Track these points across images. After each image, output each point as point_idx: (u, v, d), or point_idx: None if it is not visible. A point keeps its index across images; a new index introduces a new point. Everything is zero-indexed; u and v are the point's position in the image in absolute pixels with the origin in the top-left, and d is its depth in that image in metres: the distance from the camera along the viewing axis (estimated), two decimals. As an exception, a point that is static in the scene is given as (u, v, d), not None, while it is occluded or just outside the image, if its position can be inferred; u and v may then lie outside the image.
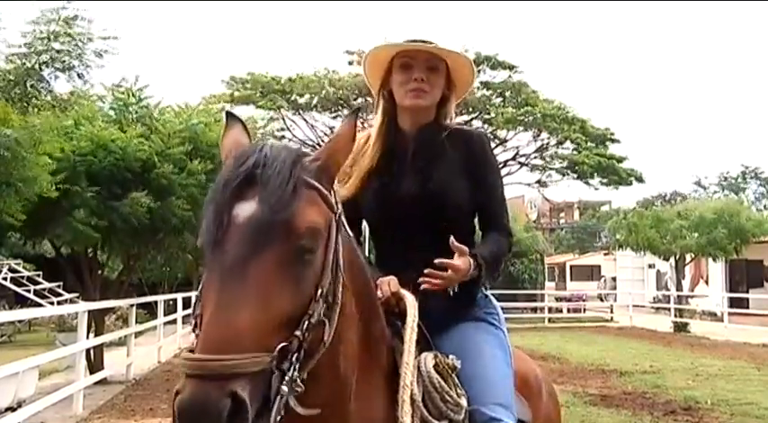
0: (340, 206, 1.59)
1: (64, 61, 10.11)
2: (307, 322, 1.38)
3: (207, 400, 1.26)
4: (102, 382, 10.45)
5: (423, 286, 1.94)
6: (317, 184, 1.49)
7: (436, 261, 1.92)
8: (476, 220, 2.23)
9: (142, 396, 9.76)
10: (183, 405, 1.27)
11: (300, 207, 1.42)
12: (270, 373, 1.32)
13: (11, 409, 7.43)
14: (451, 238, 1.94)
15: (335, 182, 1.60)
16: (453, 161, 2.15)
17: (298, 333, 1.36)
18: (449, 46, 2.18)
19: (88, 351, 10.21)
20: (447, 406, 1.83)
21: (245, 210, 1.41)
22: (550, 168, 29.60)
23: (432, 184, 2.11)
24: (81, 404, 8.75)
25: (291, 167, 1.45)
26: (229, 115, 1.71)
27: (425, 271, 1.94)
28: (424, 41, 2.15)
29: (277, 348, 1.32)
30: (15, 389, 7.57)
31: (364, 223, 2.29)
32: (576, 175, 28.86)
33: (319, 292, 1.43)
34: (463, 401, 1.88)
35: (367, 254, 2.14)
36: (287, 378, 1.33)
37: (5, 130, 7.41)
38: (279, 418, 1.33)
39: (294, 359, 1.35)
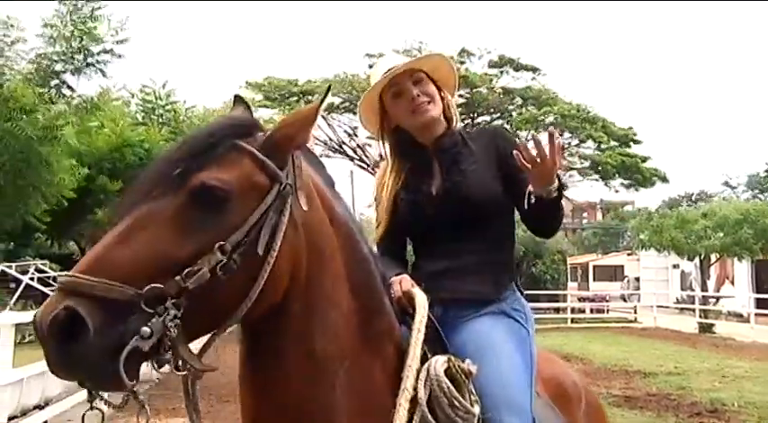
0: (295, 180, 1.59)
1: (84, 63, 10.25)
2: (189, 270, 1.37)
3: (43, 310, 1.31)
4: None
5: (519, 159, 1.83)
6: (251, 149, 1.54)
7: (536, 135, 1.86)
8: (516, 215, 2.19)
9: (165, 395, 9.83)
10: (34, 316, 1.33)
11: (206, 164, 1.48)
12: (129, 308, 1.32)
13: (38, 407, 7.53)
14: (555, 130, 1.89)
15: (289, 154, 1.60)
16: (479, 157, 2.16)
17: (177, 278, 1.36)
18: (417, 55, 2.21)
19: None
20: (456, 412, 1.73)
21: (162, 166, 1.51)
22: (572, 168, 29.41)
23: (461, 178, 2.12)
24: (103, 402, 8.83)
25: (219, 131, 1.55)
26: (237, 98, 1.78)
27: (524, 143, 1.84)
28: (392, 67, 2.17)
29: (146, 288, 1.33)
30: (43, 387, 7.67)
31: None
32: (598, 176, 28.66)
33: (219, 245, 1.41)
34: (475, 409, 1.78)
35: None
36: (154, 320, 1.32)
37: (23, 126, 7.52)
38: (141, 359, 1.34)
39: (170, 304, 1.35)
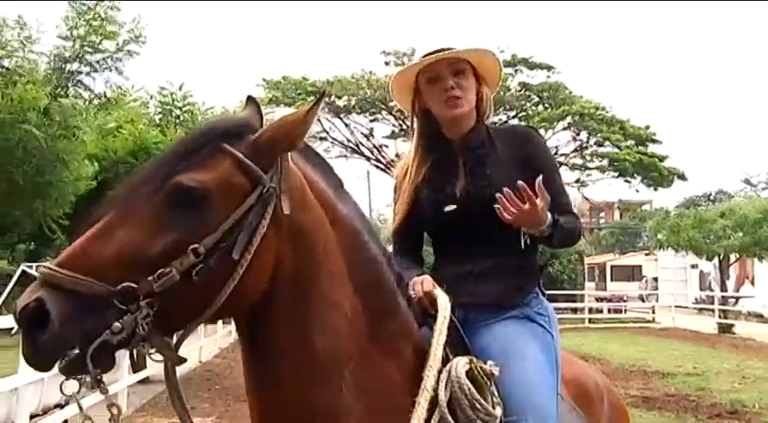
0: (280, 183, 1.57)
1: (99, 62, 10.34)
2: (161, 270, 1.40)
3: (20, 300, 1.37)
4: (145, 381, 10.60)
5: (500, 211, 1.89)
6: (233, 151, 1.53)
7: (518, 182, 1.85)
8: None
9: (184, 395, 9.90)
10: (14, 304, 1.39)
11: (189, 165, 1.49)
12: (100, 303, 1.37)
13: (59, 406, 7.60)
14: (539, 178, 1.87)
15: (276, 156, 1.58)
16: (504, 158, 2.14)
17: (150, 278, 1.39)
18: (466, 45, 2.16)
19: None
20: (477, 414, 1.70)
21: (149, 166, 1.57)
22: (590, 168, 29.27)
23: (485, 182, 2.09)
24: (125, 402, 8.92)
25: (208, 133, 1.57)
26: (249, 99, 1.78)
27: (501, 194, 1.88)
28: (440, 50, 2.12)
29: (120, 285, 1.38)
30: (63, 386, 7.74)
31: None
32: (617, 174, 28.48)
33: (191, 247, 1.42)
34: (497, 411, 1.75)
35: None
36: (126, 317, 1.37)
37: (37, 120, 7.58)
38: (112, 350, 1.39)
39: (143, 303, 1.38)
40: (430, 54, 2.13)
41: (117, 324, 1.36)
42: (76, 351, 1.35)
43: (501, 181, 2.03)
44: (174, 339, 1.55)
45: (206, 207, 1.47)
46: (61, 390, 1.46)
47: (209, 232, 1.45)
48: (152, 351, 1.47)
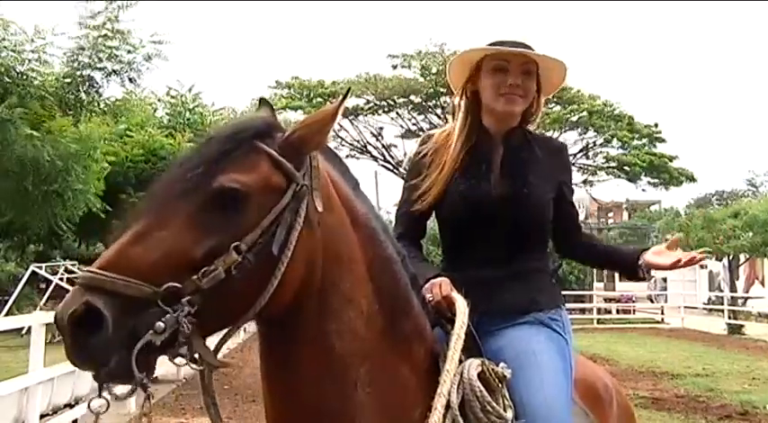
0: (311, 181, 1.59)
1: (115, 67, 10.38)
2: (206, 269, 1.40)
3: (63, 306, 1.35)
4: (154, 380, 10.60)
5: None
6: (269, 150, 1.55)
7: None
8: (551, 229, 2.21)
9: (192, 395, 9.92)
10: (56, 311, 1.37)
11: (226, 166, 1.49)
12: (145, 304, 1.36)
13: (69, 405, 7.65)
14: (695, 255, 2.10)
15: (307, 155, 1.60)
16: (543, 167, 2.14)
17: (194, 278, 1.39)
18: (545, 50, 2.14)
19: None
20: (488, 417, 1.71)
21: (183, 166, 1.54)
22: (599, 168, 29.20)
23: (525, 188, 2.08)
24: (133, 402, 8.94)
25: (239, 132, 1.56)
26: (261, 101, 1.80)
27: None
28: (517, 44, 2.10)
29: (164, 286, 1.37)
30: (73, 386, 7.79)
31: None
32: (625, 176, 28.41)
33: (234, 246, 1.43)
34: (509, 414, 1.76)
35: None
36: (168, 316, 1.35)
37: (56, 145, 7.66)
38: (155, 353, 1.38)
39: (185, 301, 1.38)
40: (504, 43, 2.10)
41: (160, 323, 1.35)
42: (119, 356, 1.34)
43: (537, 190, 2.07)
44: (212, 345, 1.54)
45: (247, 207, 1.48)
46: (100, 393, 1.41)
47: (250, 231, 1.47)
48: (192, 357, 1.45)
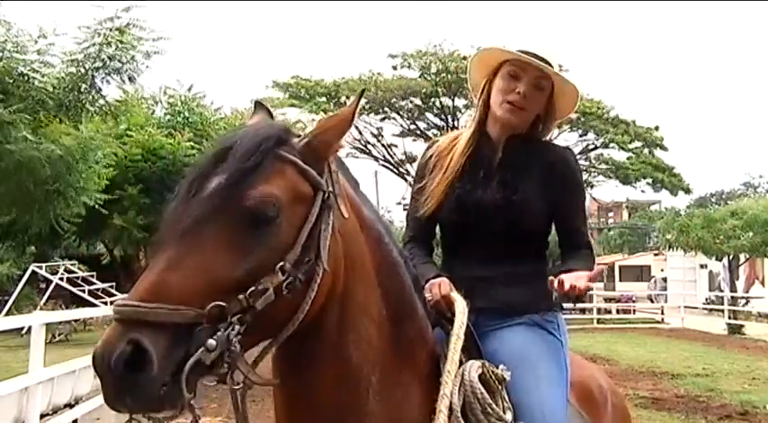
0: (334, 186, 1.57)
1: (115, 66, 10.38)
2: (253, 289, 1.36)
3: (105, 344, 1.28)
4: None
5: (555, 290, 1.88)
6: (293, 158, 1.50)
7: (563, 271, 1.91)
8: (551, 232, 2.21)
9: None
10: (95, 350, 1.29)
11: (255, 179, 1.43)
12: (191, 330, 1.30)
13: (69, 405, 7.64)
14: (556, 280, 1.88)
15: (327, 160, 1.58)
16: (538, 175, 2.13)
17: (241, 297, 1.35)
18: (559, 68, 2.15)
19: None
20: (489, 419, 1.73)
21: (205, 183, 1.45)
22: (597, 171, 29.24)
23: (516, 197, 2.08)
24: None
25: (261, 142, 1.48)
26: (257, 104, 1.77)
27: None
28: (537, 56, 2.09)
29: (208, 307, 1.31)
30: (73, 386, 7.79)
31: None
32: (622, 181, 28.50)
33: (278, 266, 1.40)
34: (508, 416, 1.77)
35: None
36: (219, 334, 1.31)
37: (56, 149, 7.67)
38: (203, 373, 1.32)
39: (235, 320, 1.34)
40: (527, 53, 2.09)
41: (211, 341, 1.30)
42: (167, 386, 1.28)
43: (529, 198, 2.07)
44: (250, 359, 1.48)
45: (280, 219, 1.44)
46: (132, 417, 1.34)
47: (289, 245, 1.44)
48: (233, 376, 1.38)
